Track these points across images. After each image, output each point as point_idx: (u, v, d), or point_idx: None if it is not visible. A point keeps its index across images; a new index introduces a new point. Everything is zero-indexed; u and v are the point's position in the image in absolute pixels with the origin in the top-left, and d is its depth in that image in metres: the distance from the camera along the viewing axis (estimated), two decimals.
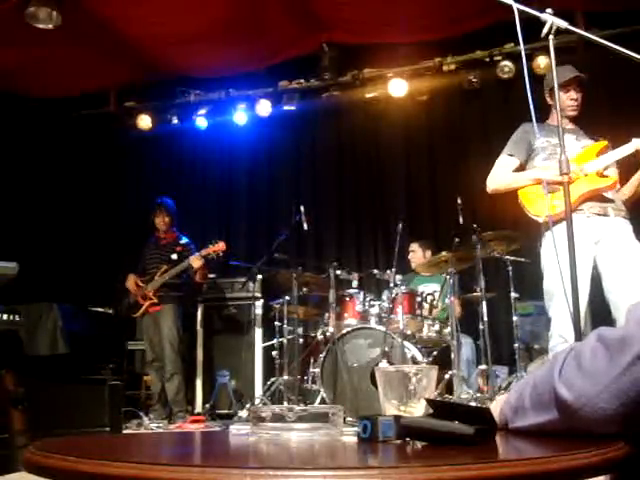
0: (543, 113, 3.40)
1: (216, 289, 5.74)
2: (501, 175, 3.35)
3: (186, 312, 5.37)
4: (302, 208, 4.81)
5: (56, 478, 0.75)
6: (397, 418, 0.91)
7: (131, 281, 5.19)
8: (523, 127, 3.38)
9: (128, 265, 5.35)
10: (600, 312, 3.09)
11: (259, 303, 5.49)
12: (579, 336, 2.23)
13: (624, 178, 3.31)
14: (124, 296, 5.22)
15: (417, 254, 5.33)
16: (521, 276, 4.84)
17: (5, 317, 4.09)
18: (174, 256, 5.11)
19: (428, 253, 5.27)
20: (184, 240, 5.27)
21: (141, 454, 0.96)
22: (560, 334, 2.95)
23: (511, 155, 3.35)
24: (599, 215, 3.09)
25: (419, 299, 4.50)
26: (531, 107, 2.72)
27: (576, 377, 0.83)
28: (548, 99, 3.39)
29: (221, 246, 5.00)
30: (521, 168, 3.34)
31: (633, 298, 2.88)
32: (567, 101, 3.30)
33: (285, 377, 4.76)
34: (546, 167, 3.14)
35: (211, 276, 5.78)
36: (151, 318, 5.08)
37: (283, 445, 0.98)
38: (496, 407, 1.00)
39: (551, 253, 3.01)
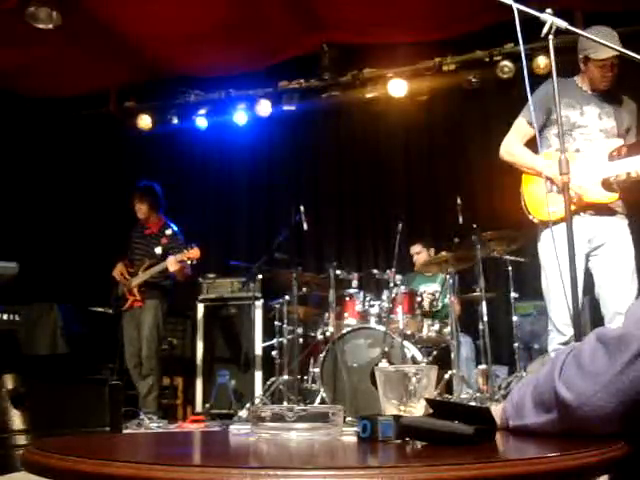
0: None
1: (216, 289, 5.74)
2: (512, 145, 3.20)
3: (174, 308, 5.28)
4: (302, 208, 4.81)
5: (56, 478, 0.75)
6: (397, 418, 0.91)
7: (118, 270, 5.02)
8: (546, 88, 3.06)
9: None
10: (597, 310, 3.12)
11: (259, 303, 5.48)
12: (579, 336, 2.23)
13: None
14: (113, 288, 5.06)
15: (422, 255, 5.29)
16: (521, 276, 4.84)
17: (5, 317, 4.08)
18: (158, 250, 4.89)
19: (432, 251, 5.25)
20: (169, 231, 4.97)
21: (141, 454, 0.96)
22: (558, 330, 2.98)
23: (529, 123, 3.12)
24: (593, 215, 3.07)
25: (419, 299, 4.50)
26: (531, 107, 2.73)
27: (576, 377, 0.83)
28: (581, 65, 3.12)
29: (194, 254, 4.66)
30: (534, 136, 3.12)
31: (622, 296, 2.89)
32: (599, 76, 3.07)
33: (285, 377, 4.76)
34: (554, 156, 3.06)
35: (211, 276, 5.77)
36: (132, 314, 4.92)
37: (283, 445, 0.98)
38: (497, 407, 1.01)
39: (547, 253, 3.04)
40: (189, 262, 4.72)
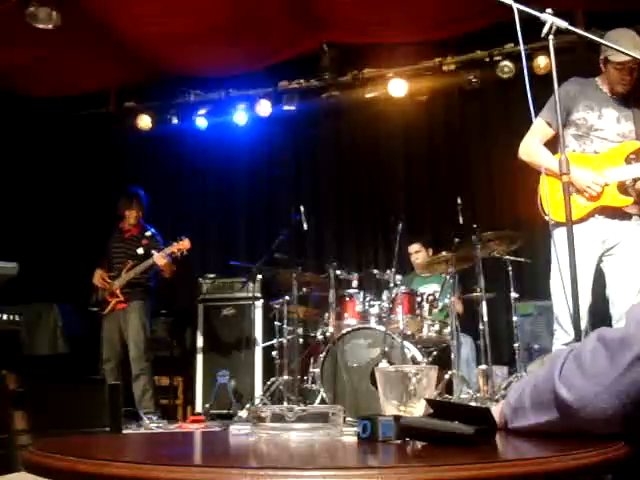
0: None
1: (216, 289, 5.74)
2: (530, 145, 3.17)
3: (174, 308, 5.25)
4: (302, 208, 4.81)
5: (56, 478, 0.75)
6: (397, 418, 0.91)
7: (97, 276, 5.04)
8: (565, 88, 3.06)
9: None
10: (600, 311, 3.11)
11: (259, 303, 5.48)
12: (579, 335, 2.23)
13: None
14: (92, 292, 5.07)
15: (421, 253, 5.28)
16: (521, 276, 4.84)
17: (5, 317, 4.08)
18: (140, 251, 4.92)
19: (430, 251, 5.25)
20: (149, 232, 5.03)
21: (141, 454, 0.96)
22: (564, 329, 2.98)
23: (548, 123, 3.11)
24: (607, 218, 3.06)
25: (419, 299, 4.50)
26: (531, 108, 2.72)
27: (576, 377, 0.83)
28: (601, 66, 3.11)
29: (185, 244, 4.72)
30: (555, 136, 3.14)
31: (631, 297, 2.91)
32: (618, 79, 3.06)
33: (285, 377, 4.76)
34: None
35: (211, 276, 5.77)
36: (115, 316, 4.91)
37: (283, 445, 0.98)
38: (497, 407, 1.01)
39: (555, 253, 3.04)
40: (179, 254, 4.75)
